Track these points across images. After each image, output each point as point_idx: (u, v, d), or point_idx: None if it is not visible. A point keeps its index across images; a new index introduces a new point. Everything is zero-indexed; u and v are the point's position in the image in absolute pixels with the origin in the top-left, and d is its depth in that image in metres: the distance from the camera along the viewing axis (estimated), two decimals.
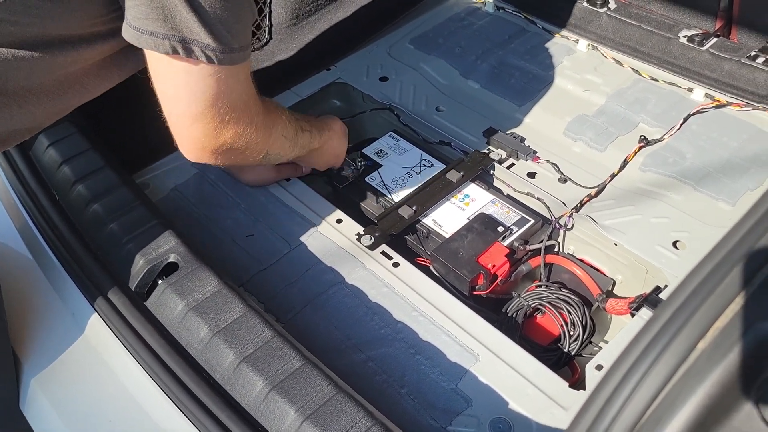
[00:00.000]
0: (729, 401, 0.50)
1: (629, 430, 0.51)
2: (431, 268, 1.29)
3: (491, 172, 1.43)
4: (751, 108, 1.45)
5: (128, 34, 0.92)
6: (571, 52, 1.68)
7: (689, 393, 0.50)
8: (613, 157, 1.41)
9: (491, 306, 1.28)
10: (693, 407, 0.50)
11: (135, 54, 1.00)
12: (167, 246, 1.14)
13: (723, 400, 0.50)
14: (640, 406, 0.51)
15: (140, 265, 1.13)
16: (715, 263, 0.53)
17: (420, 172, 1.42)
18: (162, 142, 1.48)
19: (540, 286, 1.30)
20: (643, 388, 0.52)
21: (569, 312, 1.23)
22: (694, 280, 0.54)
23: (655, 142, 1.42)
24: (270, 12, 1.72)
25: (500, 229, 1.30)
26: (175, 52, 0.90)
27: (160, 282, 1.11)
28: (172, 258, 1.13)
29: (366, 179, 1.42)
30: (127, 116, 1.50)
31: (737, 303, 0.52)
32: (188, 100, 0.97)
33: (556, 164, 1.41)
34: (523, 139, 1.46)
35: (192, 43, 0.89)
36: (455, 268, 1.24)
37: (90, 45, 0.98)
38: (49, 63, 0.95)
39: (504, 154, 1.45)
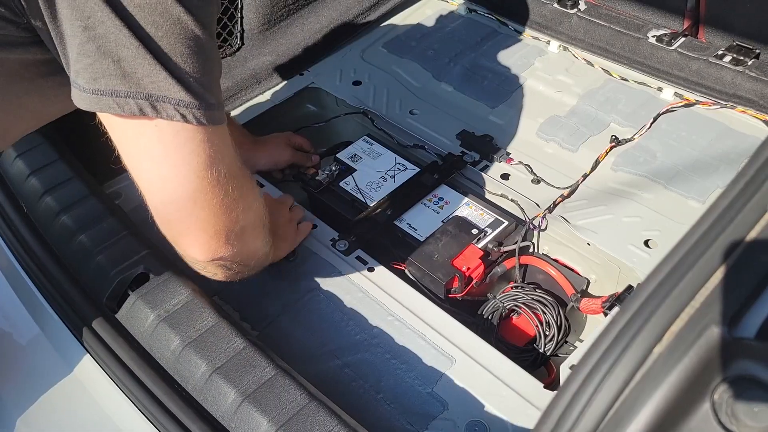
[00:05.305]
0: (686, 404, 0.51)
1: None
2: (406, 271, 1.28)
3: (465, 174, 1.44)
4: (719, 106, 1.47)
5: (85, 101, 0.76)
6: (542, 53, 1.69)
7: (647, 396, 0.51)
8: (585, 157, 1.42)
9: (467, 308, 1.28)
10: (651, 410, 0.51)
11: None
12: (137, 257, 1.13)
13: (680, 403, 0.51)
14: (600, 410, 0.52)
15: (110, 276, 1.11)
16: (671, 267, 0.54)
17: (394, 176, 1.42)
18: None
19: (515, 287, 1.30)
20: (602, 393, 0.52)
21: (544, 312, 1.24)
22: (651, 284, 0.55)
23: (626, 142, 1.43)
24: (242, 17, 1.72)
25: (474, 231, 1.30)
26: (142, 112, 0.74)
27: (130, 293, 1.10)
28: (142, 269, 1.12)
29: (340, 184, 1.42)
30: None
31: (692, 307, 0.53)
32: (176, 176, 0.79)
33: (529, 165, 1.41)
34: (496, 141, 1.47)
35: (161, 101, 0.74)
36: (430, 271, 1.24)
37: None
38: None
39: (477, 156, 1.45)
